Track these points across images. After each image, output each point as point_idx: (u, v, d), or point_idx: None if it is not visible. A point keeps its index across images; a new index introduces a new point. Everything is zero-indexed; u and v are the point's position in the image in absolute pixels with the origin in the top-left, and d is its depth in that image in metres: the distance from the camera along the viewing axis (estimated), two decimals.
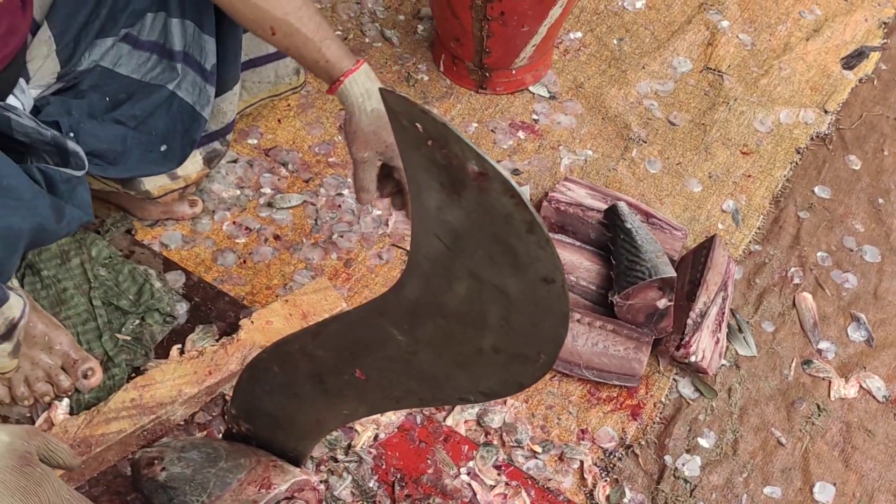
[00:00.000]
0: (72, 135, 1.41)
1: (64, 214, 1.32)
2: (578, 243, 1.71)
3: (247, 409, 1.28)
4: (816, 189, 1.88)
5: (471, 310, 0.88)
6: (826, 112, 1.99)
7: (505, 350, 0.89)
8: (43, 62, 1.41)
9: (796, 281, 1.74)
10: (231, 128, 1.69)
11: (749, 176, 1.88)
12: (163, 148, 1.56)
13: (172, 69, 1.54)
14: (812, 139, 1.95)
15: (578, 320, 1.60)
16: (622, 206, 1.69)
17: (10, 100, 1.35)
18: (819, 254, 1.78)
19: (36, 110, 1.43)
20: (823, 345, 1.67)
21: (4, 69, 1.30)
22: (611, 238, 1.68)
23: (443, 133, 0.75)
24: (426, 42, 2.06)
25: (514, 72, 1.96)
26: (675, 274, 1.58)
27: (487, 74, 1.94)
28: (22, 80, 1.38)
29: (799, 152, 1.92)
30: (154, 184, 1.61)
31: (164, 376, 1.41)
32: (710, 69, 2.04)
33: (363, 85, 1.37)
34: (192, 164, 1.68)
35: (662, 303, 1.59)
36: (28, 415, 1.42)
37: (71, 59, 1.43)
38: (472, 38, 1.86)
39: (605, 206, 1.73)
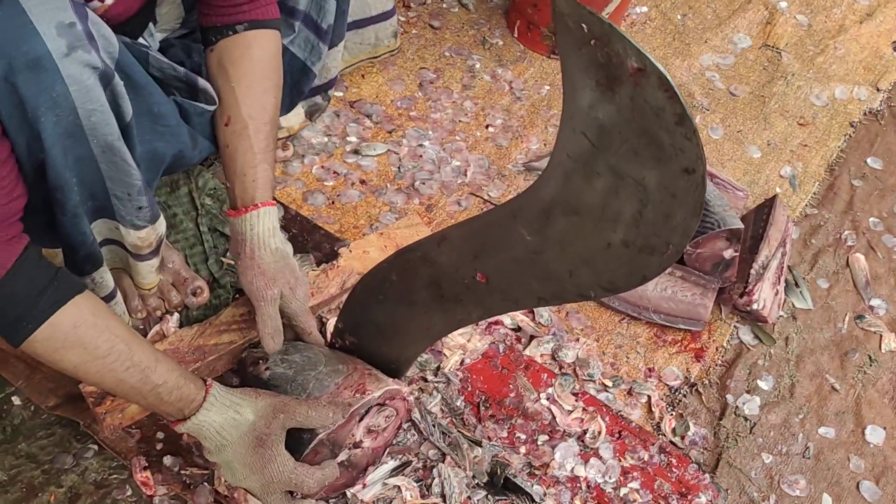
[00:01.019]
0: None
1: (198, 144, 1.43)
2: None
3: (356, 321, 1.38)
4: (869, 160, 1.98)
5: (607, 205, 0.98)
6: (878, 90, 2.10)
7: (634, 243, 0.99)
8: (169, 7, 1.50)
9: (850, 243, 1.85)
10: (333, 83, 1.80)
11: (805, 145, 1.98)
12: None
13: (290, 26, 1.64)
14: (865, 114, 2.05)
15: None
16: None
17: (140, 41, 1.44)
18: (871, 219, 1.89)
19: (161, 52, 1.54)
20: (875, 302, 1.77)
21: (137, 13, 1.39)
22: None
23: (607, 32, 0.86)
24: (500, 9, 2.17)
25: None
26: (741, 225, 1.69)
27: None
28: (151, 24, 1.47)
29: (853, 126, 2.02)
30: None
31: None
32: (769, 46, 2.14)
33: (272, 222, 1.36)
34: (295, 116, 1.80)
35: (729, 253, 1.69)
36: (141, 327, 1.52)
37: (194, 7, 1.53)
38: (550, 3, 1.94)
39: None
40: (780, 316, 1.73)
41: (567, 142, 0.97)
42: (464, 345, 1.57)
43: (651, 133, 0.89)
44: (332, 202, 1.80)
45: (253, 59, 1.40)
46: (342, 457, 1.33)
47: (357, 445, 1.34)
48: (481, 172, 1.87)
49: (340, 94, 1.97)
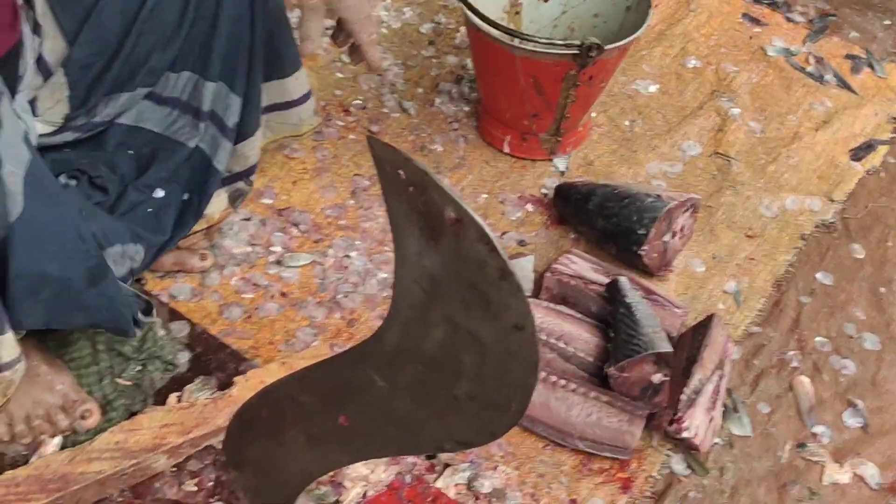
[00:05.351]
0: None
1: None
2: (579, 315, 1.73)
3: (235, 456, 1.30)
4: (819, 275, 1.89)
5: (447, 356, 0.90)
6: (832, 201, 2.02)
7: (478, 398, 0.91)
8: (54, 105, 1.47)
9: (794, 364, 1.75)
10: (254, 170, 1.76)
11: (752, 259, 1.90)
12: (185, 196, 1.63)
13: (195, 126, 1.61)
14: (817, 226, 1.97)
15: (574, 390, 1.61)
16: (624, 280, 1.72)
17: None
18: (818, 339, 1.79)
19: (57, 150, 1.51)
20: (819, 429, 1.67)
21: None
22: (610, 311, 1.70)
23: (423, 179, 0.79)
24: (441, 114, 2.12)
25: (580, 129, 2.02)
26: (671, 349, 1.60)
27: (559, 139, 1.98)
28: (23, 99, 1.42)
29: (803, 238, 1.94)
30: None
31: (150, 423, 1.43)
32: (720, 154, 2.08)
33: None
34: (217, 203, 1.74)
35: (657, 377, 1.60)
36: (25, 453, 1.44)
37: (82, 106, 1.49)
38: (554, 110, 1.90)
39: (607, 281, 1.76)
40: (716, 443, 1.63)
41: (402, 290, 0.90)
42: (367, 476, 1.48)
43: (477, 286, 0.82)
44: (250, 316, 1.73)
45: None
46: None
47: None
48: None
49: (270, 201, 1.91)
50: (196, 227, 1.72)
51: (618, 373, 1.60)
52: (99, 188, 1.53)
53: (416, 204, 0.81)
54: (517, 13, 2.06)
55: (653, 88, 2.21)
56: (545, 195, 1.97)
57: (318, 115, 1.89)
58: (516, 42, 1.79)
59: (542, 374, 1.63)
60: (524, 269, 1.80)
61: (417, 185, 0.80)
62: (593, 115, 2.13)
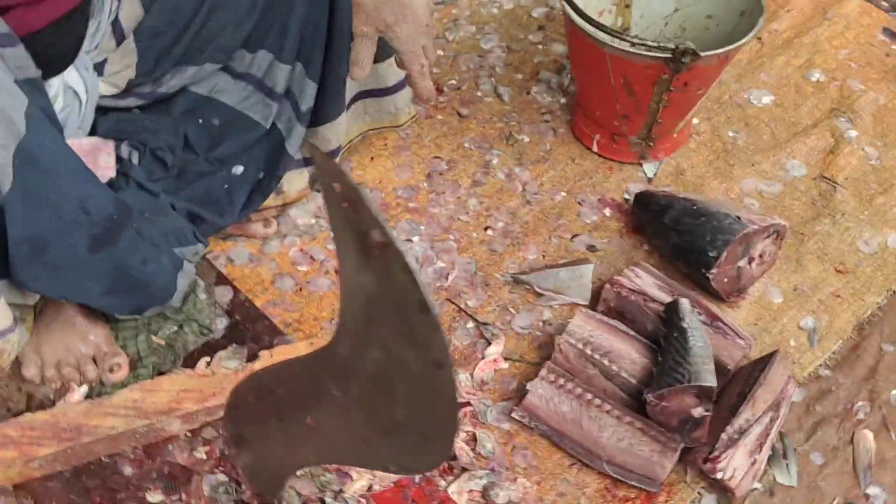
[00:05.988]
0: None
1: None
2: (632, 333, 1.65)
3: (231, 433, 1.30)
4: None
5: (383, 378, 0.87)
6: None
7: (411, 426, 0.87)
8: (122, 69, 1.48)
9: (860, 416, 1.62)
10: (336, 154, 1.76)
11: (838, 296, 1.77)
12: (260, 175, 1.65)
13: (268, 105, 1.62)
14: None
15: (608, 411, 1.54)
16: (684, 303, 1.63)
17: (72, 74, 1.41)
18: (893, 392, 1.65)
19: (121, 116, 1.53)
20: (873, 490, 1.54)
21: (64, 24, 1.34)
22: (664, 334, 1.61)
23: (353, 197, 0.75)
24: (536, 104, 2.05)
25: (675, 135, 1.93)
26: (715, 384, 1.51)
27: (651, 144, 1.90)
28: (87, 57, 1.44)
29: None
30: None
31: (171, 386, 1.45)
32: (825, 178, 1.93)
33: None
34: (297, 182, 1.75)
35: (698, 411, 1.51)
36: (52, 397, 1.49)
37: (149, 74, 1.50)
38: (645, 113, 1.82)
39: (669, 300, 1.67)
40: (755, 489, 1.53)
41: (345, 302, 0.87)
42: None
43: (403, 314, 0.78)
44: (301, 289, 1.73)
45: None
46: None
47: None
48: (465, 278, 1.76)
49: None
50: (271, 203, 1.74)
51: (656, 400, 1.52)
52: (160, 161, 1.55)
53: (349, 219, 0.77)
54: (627, 6, 1.97)
55: (766, 100, 2.07)
56: (627, 201, 1.88)
57: (416, 104, 1.87)
58: (607, 39, 1.70)
59: (579, 391, 1.57)
60: (583, 277, 1.73)
61: (349, 202, 0.76)
62: (695, 121, 2.02)
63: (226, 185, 1.64)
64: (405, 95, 1.82)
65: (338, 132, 1.72)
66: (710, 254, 1.66)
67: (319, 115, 1.68)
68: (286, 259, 1.77)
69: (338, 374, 0.95)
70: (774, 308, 1.75)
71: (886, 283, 1.79)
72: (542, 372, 1.60)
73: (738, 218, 1.69)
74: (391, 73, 1.76)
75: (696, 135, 2.01)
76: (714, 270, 1.67)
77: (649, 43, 1.68)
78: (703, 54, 1.66)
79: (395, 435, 0.91)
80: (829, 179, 1.93)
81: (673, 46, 1.66)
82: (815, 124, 2.03)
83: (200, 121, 1.62)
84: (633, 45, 1.68)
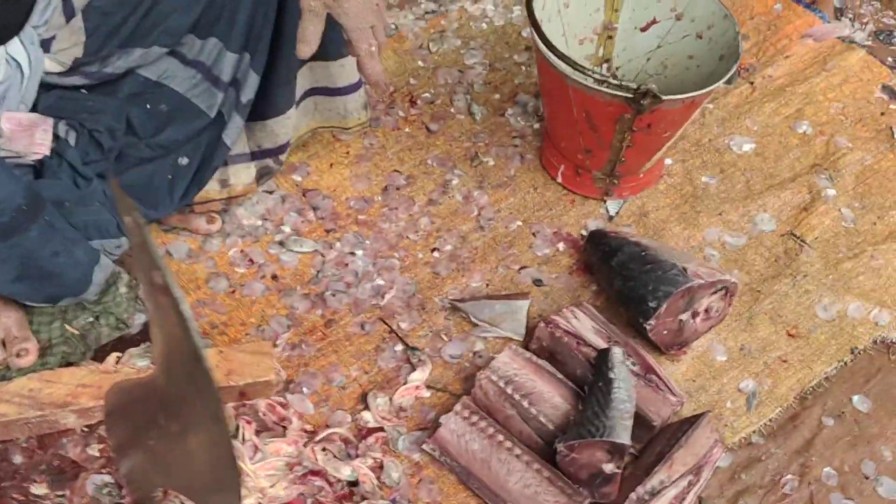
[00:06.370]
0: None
1: None
2: (560, 376, 1.60)
3: (110, 439, 1.28)
4: (856, 398, 1.67)
5: (183, 420, 0.83)
6: None
7: (206, 472, 0.83)
8: (69, 47, 1.46)
9: (787, 490, 1.56)
10: (284, 149, 1.73)
11: (785, 360, 1.70)
12: (197, 167, 1.61)
13: (213, 94, 1.58)
14: (875, 342, 1.74)
15: (518, 456, 1.49)
16: (617, 352, 1.57)
17: (15, 46, 1.38)
18: (827, 469, 1.58)
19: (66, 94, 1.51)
20: None
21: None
22: (590, 381, 1.56)
23: (138, 236, 0.71)
24: (507, 126, 2.00)
25: (641, 175, 1.87)
26: (628, 442, 1.45)
27: (616, 181, 1.84)
28: (34, 32, 1.41)
29: (853, 353, 1.71)
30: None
31: (70, 379, 1.42)
32: (794, 236, 1.86)
33: None
34: (244, 176, 1.73)
35: (609, 467, 1.46)
36: None
37: (96, 53, 1.48)
38: (608, 149, 1.76)
39: (604, 346, 1.61)
40: None
41: (153, 336, 0.83)
42: (264, 489, 1.42)
43: (184, 359, 0.74)
44: (234, 291, 1.70)
45: None
46: None
47: None
48: (402, 298, 1.71)
49: (299, 178, 1.86)
50: (216, 196, 1.71)
51: (566, 451, 1.47)
52: (97, 143, 1.52)
53: (139, 256, 0.74)
54: (610, 37, 1.91)
55: (747, 147, 2.00)
56: (583, 237, 1.82)
57: (369, 110, 1.84)
58: (569, 72, 1.65)
59: (491, 430, 1.52)
60: (518, 312, 1.67)
61: (136, 238, 0.72)
62: (668, 161, 1.96)
63: (170, 176, 1.61)
64: (357, 100, 1.79)
65: (286, 126, 1.69)
66: (650, 304, 1.61)
67: (269, 109, 1.66)
68: (225, 259, 1.74)
69: (161, 406, 0.91)
70: (716, 366, 1.69)
71: (839, 354, 1.72)
72: (457, 406, 1.55)
73: (685, 270, 1.63)
74: (343, 73, 1.72)
75: (667, 176, 1.94)
76: (652, 321, 1.61)
77: (611, 80, 1.62)
78: (664, 98, 1.60)
79: (196, 477, 0.87)
80: (798, 237, 1.86)
81: (635, 86, 1.60)
82: (794, 178, 1.96)
83: (148, 105, 1.59)
84: (595, 80, 1.63)
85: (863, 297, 1.78)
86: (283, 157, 1.74)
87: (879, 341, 1.74)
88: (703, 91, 1.64)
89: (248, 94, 1.59)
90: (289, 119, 1.68)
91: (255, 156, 1.71)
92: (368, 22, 1.44)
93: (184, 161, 1.61)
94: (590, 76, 1.62)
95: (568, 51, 1.88)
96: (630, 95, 1.61)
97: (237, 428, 1.46)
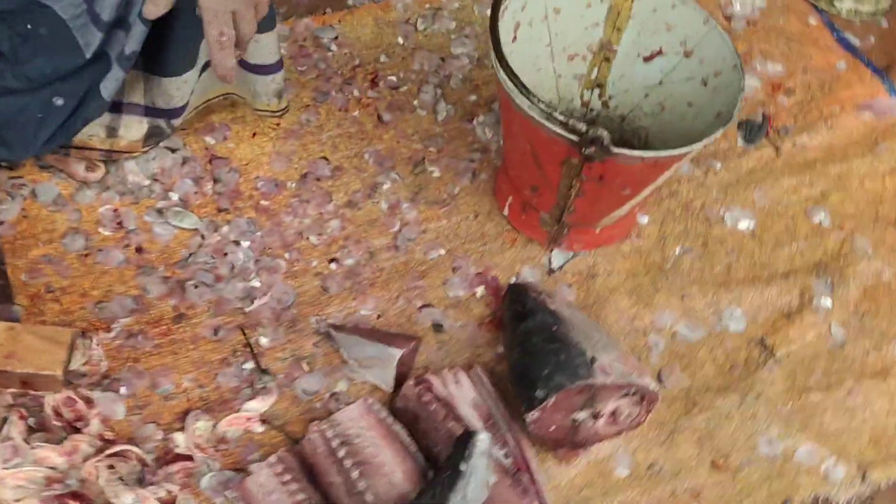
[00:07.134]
0: None
1: None
2: (413, 449, 1.33)
3: None
4: None
5: None
6: (864, 478, 1.43)
7: None
8: None
9: None
10: (179, 113, 1.52)
11: (698, 496, 1.39)
12: (58, 102, 1.38)
13: (92, 33, 1.36)
14: (815, 501, 1.41)
15: None
16: (482, 439, 1.28)
17: None
18: None
19: None
20: None
21: None
22: (440, 465, 1.29)
23: None
24: (471, 136, 1.71)
25: (598, 231, 1.58)
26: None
27: (565, 231, 1.55)
28: None
29: None
30: (85, 131, 1.45)
31: None
32: (764, 346, 1.54)
33: None
34: (134, 131, 1.52)
35: None
36: None
37: None
38: (555, 193, 1.47)
39: (476, 426, 1.34)
40: None
41: None
42: (7, 502, 1.20)
43: None
44: (87, 255, 1.47)
45: None
46: None
47: None
48: (273, 309, 1.46)
49: (212, 141, 1.62)
50: (98, 146, 1.50)
51: None
52: None
53: None
54: (607, 59, 1.60)
55: (745, 224, 1.67)
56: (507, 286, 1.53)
57: (285, 100, 1.62)
58: (514, 95, 1.35)
59: (300, 497, 1.27)
60: (387, 361, 1.39)
61: None
62: (644, 220, 1.64)
63: (40, 115, 1.39)
64: (267, 84, 1.58)
65: (182, 90, 1.47)
66: (537, 393, 1.32)
67: (165, 67, 1.45)
68: (93, 215, 1.52)
69: None
70: (613, 480, 1.39)
71: (769, 501, 1.40)
72: (272, 458, 1.31)
73: (592, 361, 1.33)
74: (257, 50, 1.51)
75: (637, 236, 1.63)
76: (536, 413, 1.32)
77: (557, 116, 1.31)
78: (615, 150, 1.30)
79: None
80: (768, 348, 1.53)
81: (583, 129, 1.30)
82: (788, 275, 1.62)
83: (29, 26, 1.37)
84: (536, 109, 1.33)
85: (821, 439, 1.45)
86: (175, 122, 1.52)
87: (823, 501, 1.41)
88: (672, 153, 1.33)
89: (133, 45, 1.37)
90: (186, 83, 1.47)
91: (147, 111, 1.49)
92: (227, 6, 1.20)
93: (59, 101, 1.39)
94: (536, 105, 1.32)
95: (552, 65, 1.59)
96: (575, 139, 1.31)
97: (4, 420, 1.25)
